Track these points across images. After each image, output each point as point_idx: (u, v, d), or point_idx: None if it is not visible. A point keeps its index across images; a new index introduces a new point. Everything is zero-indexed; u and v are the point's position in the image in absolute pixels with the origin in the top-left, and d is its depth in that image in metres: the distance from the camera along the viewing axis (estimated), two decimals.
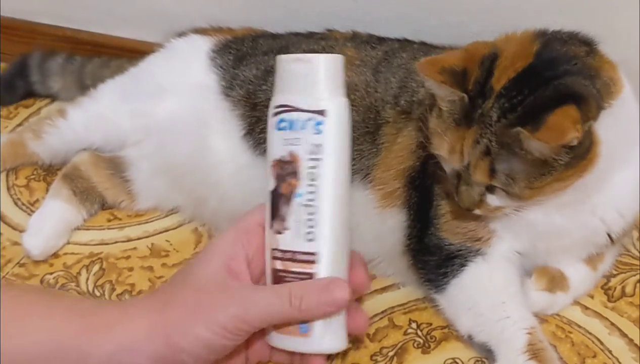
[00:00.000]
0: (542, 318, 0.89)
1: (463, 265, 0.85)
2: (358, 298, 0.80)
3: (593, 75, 0.77)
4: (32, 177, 1.16)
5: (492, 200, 0.78)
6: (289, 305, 0.66)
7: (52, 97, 1.29)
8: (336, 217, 0.69)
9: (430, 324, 0.91)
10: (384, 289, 0.96)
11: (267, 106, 0.89)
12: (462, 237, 0.86)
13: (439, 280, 0.86)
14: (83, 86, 1.21)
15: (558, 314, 0.91)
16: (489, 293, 0.84)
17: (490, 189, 0.77)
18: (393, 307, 0.94)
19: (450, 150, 0.77)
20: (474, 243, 0.86)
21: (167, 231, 1.07)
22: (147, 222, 1.09)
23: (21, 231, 1.04)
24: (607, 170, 0.80)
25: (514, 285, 0.85)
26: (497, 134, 0.74)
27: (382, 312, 0.93)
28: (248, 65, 1.02)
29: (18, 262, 1.02)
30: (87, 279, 1.00)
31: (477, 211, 0.79)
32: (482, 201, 0.78)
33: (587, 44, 0.81)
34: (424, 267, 0.88)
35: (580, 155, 0.74)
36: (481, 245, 0.86)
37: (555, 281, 0.90)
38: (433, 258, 0.87)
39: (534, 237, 0.86)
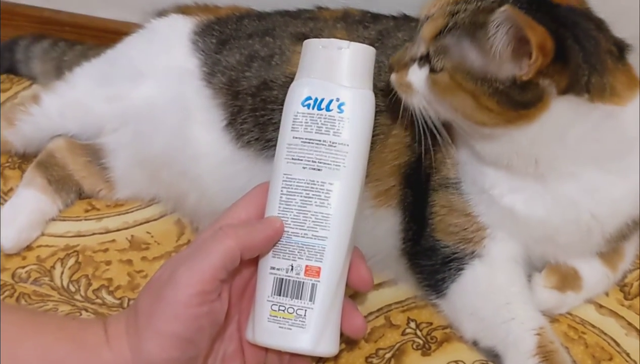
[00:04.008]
0: (552, 317, 0.86)
1: (460, 269, 0.84)
2: (352, 296, 0.81)
3: (601, 69, 0.75)
4: (7, 164, 1.13)
5: (412, 72, 0.78)
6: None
7: (33, 80, 1.28)
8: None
9: (431, 323, 0.88)
10: (380, 285, 0.92)
11: (249, 95, 0.94)
12: (456, 237, 0.84)
13: (437, 286, 0.85)
14: (61, 74, 1.19)
15: (570, 313, 0.88)
16: (489, 295, 0.82)
17: (421, 61, 0.77)
18: (390, 304, 0.91)
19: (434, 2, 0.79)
20: (468, 245, 0.84)
21: (148, 222, 1.04)
22: (127, 213, 1.06)
23: None
24: (570, 164, 0.78)
25: (517, 284, 0.83)
26: (478, 8, 0.74)
27: (378, 310, 0.90)
28: (231, 49, 0.99)
29: None
30: (62, 273, 0.97)
31: (393, 75, 0.80)
32: (406, 66, 0.79)
33: (619, 47, 0.78)
34: (422, 273, 0.87)
35: (514, 101, 0.73)
36: (475, 247, 0.84)
37: (567, 280, 0.86)
38: (429, 263, 0.85)
39: (524, 237, 0.84)
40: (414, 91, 0.78)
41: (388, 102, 0.84)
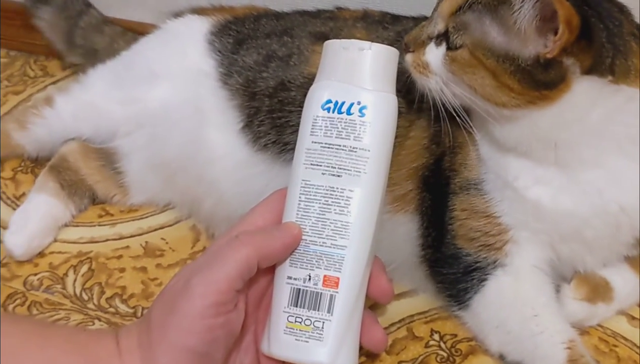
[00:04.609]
0: (582, 330, 0.84)
1: (483, 280, 0.81)
2: (372, 306, 0.78)
3: (625, 51, 0.74)
4: (19, 169, 1.11)
5: (429, 51, 0.77)
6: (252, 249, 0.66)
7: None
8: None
9: (455, 335, 0.86)
10: (402, 295, 0.90)
11: (267, 96, 0.93)
12: (477, 243, 0.82)
13: (460, 296, 0.83)
14: (70, 42, 1.19)
15: (601, 325, 0.86)
16: (515, 307, 0.80)
17: (438, 39, 0.76)
18: (412, 315, 0.89)
19: None
20: (489, 253, 0.82)
21: (162, 228, 1.03)
22: (141, 219, 1.04)
23: (4, 228, 0.99)
24: (591, 149, 0.76)
25: (544, 295, 0.81)
26: None
27: (400, 321, 0.88)
28: (248, 49, 0.98)
29: None
30: (75, 280, 0.95)
31: (409, 55, 0.79)
32: (422, 45, 0.78)
33: None
34: (443, 282, 0.85)
35: (537, 80, 0.71)
36: (497, 254, 0.81)
37: (597, 290, 0.84)
38: (451, 271, 0.83)
39: (550, 234, 0.81)
40: (430, 72, 0.76)
41: (403, 85, 0.82)
